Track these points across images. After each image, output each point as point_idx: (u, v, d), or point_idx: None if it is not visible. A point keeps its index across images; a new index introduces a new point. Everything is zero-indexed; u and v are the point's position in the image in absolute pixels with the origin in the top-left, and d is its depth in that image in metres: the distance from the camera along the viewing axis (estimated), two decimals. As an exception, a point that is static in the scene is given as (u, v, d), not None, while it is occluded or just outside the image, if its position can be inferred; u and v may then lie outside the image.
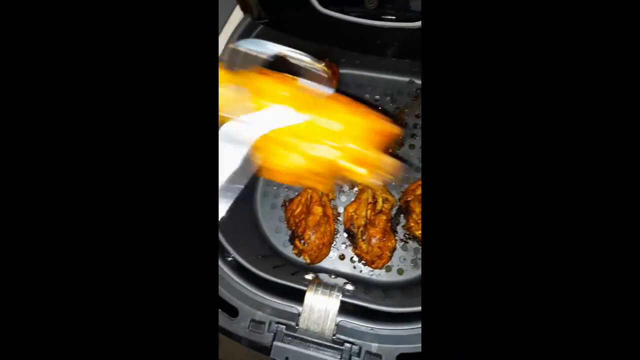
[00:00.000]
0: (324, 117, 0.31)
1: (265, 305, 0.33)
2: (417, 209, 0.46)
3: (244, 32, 0.42)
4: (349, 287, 0.37)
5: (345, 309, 0.33)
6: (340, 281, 0.40)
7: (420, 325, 0.32)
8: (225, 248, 0.39)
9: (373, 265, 0.47)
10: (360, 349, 0.31)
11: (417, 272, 0.48)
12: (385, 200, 0.49)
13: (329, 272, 0.48)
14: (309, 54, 0.52)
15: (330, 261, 0.50)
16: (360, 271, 0.49)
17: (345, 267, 0.50)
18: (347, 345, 0.31)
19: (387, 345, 0.31)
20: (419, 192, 0.47)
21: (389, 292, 0.43)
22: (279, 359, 0.31)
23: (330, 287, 0.34)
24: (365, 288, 0.44)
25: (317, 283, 0.34)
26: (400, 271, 0.49)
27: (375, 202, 0.48)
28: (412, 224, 0.47)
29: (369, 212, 0.47)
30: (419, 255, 0.49)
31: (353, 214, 0.48)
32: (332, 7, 0.33)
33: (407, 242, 0.50)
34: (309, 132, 0.31)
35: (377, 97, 0.56)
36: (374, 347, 0.31)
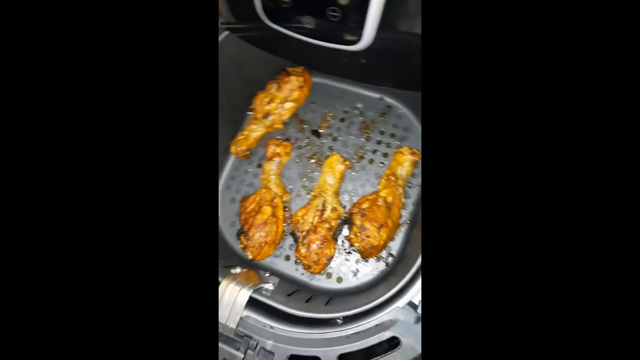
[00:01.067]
0: None
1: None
2: (358, 222, 0.47)
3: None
4: (270, 286, 0.39)
5: (255, 305, 0.36)
6: (271, 280, 0.42)
7: (315, 331, 0.34)
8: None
9: (310, 270, 0.49)
10: (257, 344, 0.33)
11: (355, 282, 0.50)
12: (333, 209, 0.50)
13: (268, 270, 0.50)
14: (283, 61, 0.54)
15: (276, 261, 0.52)
16: (302, 274, 0.51)
17: (289, 268, 0.52)
18: (246, 338, 0.34)
19: (282, 345, 0.33)
20: (364, 205, 0.48)
21: (315, 298, 0.45)
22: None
23: (243, 284, 0.36)
24: (298, 290, 0.47)
25: (234, 277, 0.37)
26: (339, 279, 0.51)
27: (324, 210, 0.50)
28: (352, 236, 0.48)
29: (315, 218, 0.49)
30: (358, 267, 0.50)
31: (300, 218, 0.50)
32: (279, 23, 0.35)
33: (351, 253, 0.51)
34: None
35: (346, 109, 0.58)
36: (269, 344, 0.33)
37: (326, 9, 0.31)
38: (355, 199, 0.52)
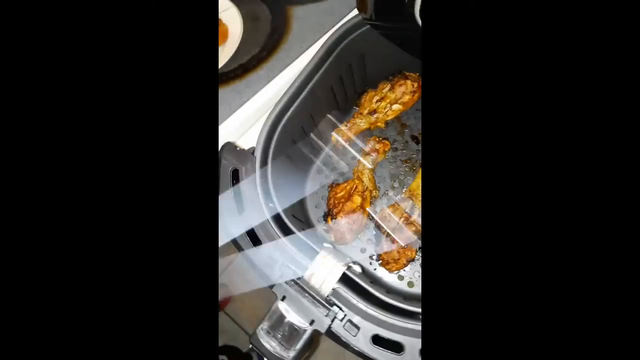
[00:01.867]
0: None
1: (282, 249, 0.39)
2: None
3: (351, 28, 0.48)
4: (357, 268, 0.41)
5: (346, 282, 0.38)
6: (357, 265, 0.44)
7: (400, 319, 0.35)
8: (271, 198, 0.45)
9: (387, 267, 0.50)
10: (345, 315, 0.35)
11: (425, 291, 0.50)
12: (420, 215, 0.51)
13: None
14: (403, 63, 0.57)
15: (352, 250, 0.54)
16: (375, 269, 0.53)
17: (363, 261, 0.53)
18: (336, 308, 0.36)
19: (368, 323, 0.35)
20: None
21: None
22: (278, 294, 0.36)
23: (340, 259, 0.38)
24: (375, 282, 0.48)
25: (329, 252, 0.39)
26: (410, 284, 0.51)
27: (411, 214, 0.51)
28: None
29: (402, 219, 0.50)
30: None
31: (387, 215, 0.51)
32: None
33: (427, 261, 0.52)
34: None
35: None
36: (357, 319, 0.35)
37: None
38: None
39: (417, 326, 0.35)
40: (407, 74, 0.57)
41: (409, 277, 0.52)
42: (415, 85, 0.56)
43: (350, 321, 0.35)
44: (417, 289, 0.51)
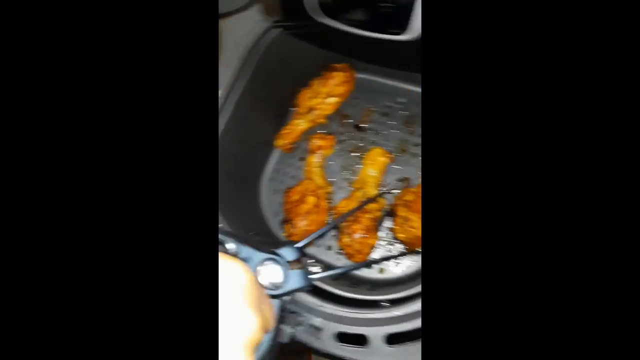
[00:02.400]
0: None
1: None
2: (402, 213, 0.48)
3: (261, 36, 0.48)
4: (317, 269, 0.41)
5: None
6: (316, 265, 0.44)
7: (362, 312, 0.35)
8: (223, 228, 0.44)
9: (353, 259, 0.50)
10: (306, 320, 0.35)
11: (397, 271, 0.51)
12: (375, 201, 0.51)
13: (312, 258, 0.52)
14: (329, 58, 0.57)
15: (318, 250, 0.54)
16: (344, 264, 0.53)
17: (331, 258, 0.53)
18: (295, 315, 0.36)
19: (329, 322, 0.35)
20: (406, 197, 0.49)
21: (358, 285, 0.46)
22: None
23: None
24: (342, 277, 0.48)
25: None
26: (381, 270, 0.51)
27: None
28: (396, 227, 0.49)
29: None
30: (401, 257, 0.51)
31: (343, 209, 0.51)
32: (331, 17, 0.37)
33: (393, 245, 0.52)
34: None
35: (389, 103, 0.59)
36: (318, 321, 0.35)
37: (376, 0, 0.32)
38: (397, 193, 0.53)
39: (379, 315, 0.35)
40: (335, 65, 0.57)
41: (379, 264, 0.52)
42: (345, 75, 0.56)
43: (312, 325, 0.35)
44: (389, 274, 0.51)
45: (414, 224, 0.47)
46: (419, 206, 0.47)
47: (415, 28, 0.34)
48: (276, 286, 0.29)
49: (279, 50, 0.51)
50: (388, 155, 0.54)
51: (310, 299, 0.36)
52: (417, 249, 0.50)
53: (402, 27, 0.34)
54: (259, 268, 0.28)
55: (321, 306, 0.36)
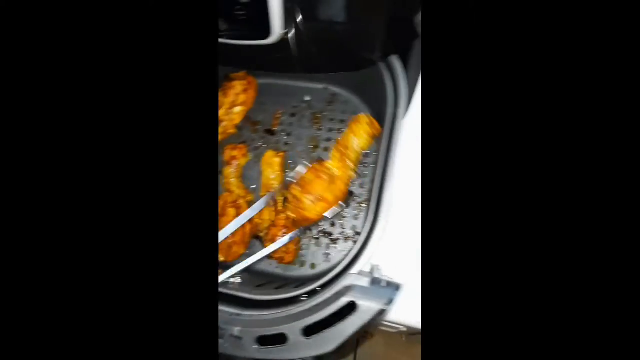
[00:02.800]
0: None
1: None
2: (295, 192, 0.48)
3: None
4: (236, 280, 0.41)
5: (221, 299, 0.37)
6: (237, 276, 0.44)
7: (281, 311, 0.35)
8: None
9: (284, 261, 0.51)
10: (224, 332, 0.35)
11: (328, 265, 0.52)
12: (285, 199, 0.52)
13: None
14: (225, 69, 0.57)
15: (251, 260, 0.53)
16: (277, 267, 0.53)
17: (263, 264, 0.53)
18: (215, 329, 0.35)
19: (249, 329, 0.35)
20: (307, 176, 0.49)
21: (286, 285, 0.46)
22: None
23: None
24: (270, 282, 0.48)
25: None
26: (313, 265, 0.52)
27: (276, 204, 0.52)
28: (288, 205, 0.49)
29: (272, 214, 0.51)
30: (329, 251, 0.52)
31: (257, 220, 0.52)
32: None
33: (319, 239, 0.53)
34: None
35: (295, 104, 0.60)
36: (237, 330, 0.35)
37: (232, 8, 0.33)
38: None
39: (296, 309, 0.35)
40: (233, 75, 0.57)
41: (309, 261, 0.53)
42: (244, 82, 0.57)
43: (231, 335, 0.35)
44: (321, 267, 0.52)
45: (303, 205, 0.47)
46: (312, 187, 0.48)
47: (276, 31, 0.35)
48: None
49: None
50: (280, 154, 0.55)
51: (227, 309, 0.36)
52: (303, 226, 0.50)
53: (265, 32, 0.35)
54: None
55: (239, 314, 0.36)
